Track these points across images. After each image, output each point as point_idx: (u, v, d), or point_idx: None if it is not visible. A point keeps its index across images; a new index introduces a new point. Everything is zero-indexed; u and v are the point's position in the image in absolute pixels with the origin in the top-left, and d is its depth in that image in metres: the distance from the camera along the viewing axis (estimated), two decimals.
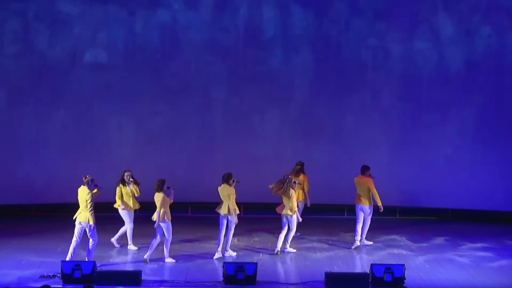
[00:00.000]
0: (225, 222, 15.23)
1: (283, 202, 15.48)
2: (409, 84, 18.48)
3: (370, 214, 16.05)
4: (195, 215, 18.40)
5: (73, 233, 14.47)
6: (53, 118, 18.52)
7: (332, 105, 18.66)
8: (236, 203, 15.32)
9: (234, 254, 15.37)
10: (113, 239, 15.77)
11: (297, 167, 16.49)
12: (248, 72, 18.52)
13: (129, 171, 15.62)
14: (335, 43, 18.51)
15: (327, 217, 17.41)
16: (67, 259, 14.12)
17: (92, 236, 14.32)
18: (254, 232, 17.09)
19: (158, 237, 14.79)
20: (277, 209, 15.59)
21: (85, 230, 14.30)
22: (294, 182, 15.54)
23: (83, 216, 14.19)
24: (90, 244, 14.38)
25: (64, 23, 18.07)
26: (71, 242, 14.52)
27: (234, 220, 15.14)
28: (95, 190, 14.33)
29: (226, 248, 15.39)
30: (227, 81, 18.59)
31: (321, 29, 18.34)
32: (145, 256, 14.75)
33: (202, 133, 18.82)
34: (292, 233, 15.68)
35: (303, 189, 16.41)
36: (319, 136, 18.80)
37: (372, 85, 18.58)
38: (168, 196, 14.72)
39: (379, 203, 15.78)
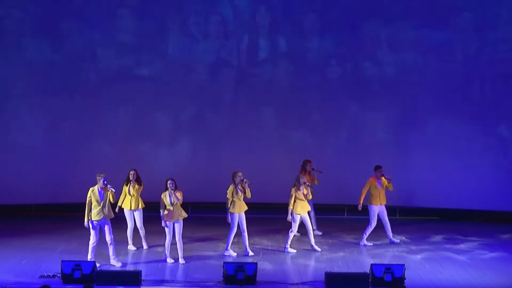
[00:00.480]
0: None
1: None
2: (408, 85, 18.54)
3: (378, 213, 16.15)
4: (195, 215, 18.40)
5: (72, 233, 14.87)
6: (54, 118, 18.54)
7: (332, 106, 18.70)
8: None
9: (234, 254, 15.39)
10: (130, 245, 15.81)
11: (304, 165, 16.55)
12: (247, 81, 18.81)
13: (135, 170, 15.61)
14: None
15: (327, 217, 17.45)
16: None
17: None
18: (254, 232, 16.94)
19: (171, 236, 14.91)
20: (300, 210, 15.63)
21: (100, 227, 14.46)
22: (304, 183, 15.61)
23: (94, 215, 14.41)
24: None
25: None
26: (71, 242, 14.81)
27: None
28: (109, 190, 14.37)
29: (227, 248, 15.46)
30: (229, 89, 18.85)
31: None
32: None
33: (202, 133, 18.88)
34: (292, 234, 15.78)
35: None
36: (319, 137, 18.84)
37: (372, 86, 18.62)
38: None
39: (359, 202, 16.09)
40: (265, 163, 18.56)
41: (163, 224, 14.74)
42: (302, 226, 15.78)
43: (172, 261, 14.82)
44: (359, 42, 18.49)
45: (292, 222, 15.60)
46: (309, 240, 15.82)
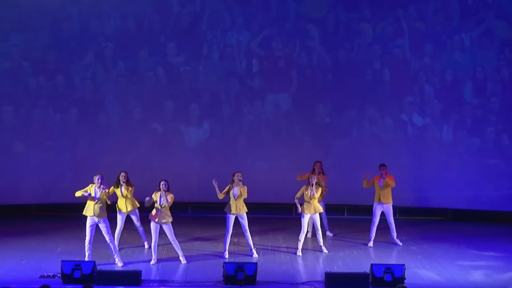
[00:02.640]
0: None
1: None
2: (407, 84, 18.23)
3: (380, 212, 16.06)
4: (195, 215, 18.33)
5: (72, 233, 14.91)
6: (56, 117, 18.25)
7: (333, 106, 18.46)
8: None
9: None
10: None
11: (314, 166, 16.44)
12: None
13: (125, 172, 15.39)
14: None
15: (327, 217, 17.17)
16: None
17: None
18: (254, 232, 16.63)
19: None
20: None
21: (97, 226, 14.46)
22: (314, 184, 15.41)
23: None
24: None
25: None
26: (70, 242, 14.71)
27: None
28: (102, 190, 14.33)
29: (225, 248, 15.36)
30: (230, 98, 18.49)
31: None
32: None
33: (202, 133, 18.56)
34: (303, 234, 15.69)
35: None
36: (320, 137, 18.60)
37: (371, 87, 18.33)
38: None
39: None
40: (265, 163, 18.39)
41: (146, 200, 14.54)
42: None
43: (154, 262, 14.60)
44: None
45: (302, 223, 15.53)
46: (318, 241, 15.63)
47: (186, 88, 18.06)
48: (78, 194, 14.38)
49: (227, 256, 15.19)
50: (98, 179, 14.35)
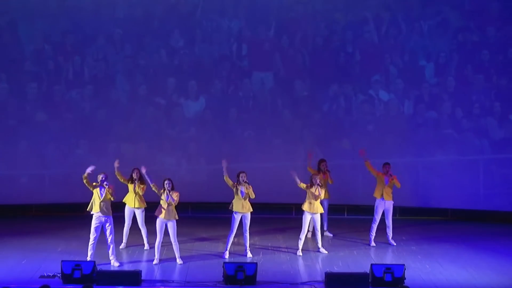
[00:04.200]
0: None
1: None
2: (374, 65, 18.77)
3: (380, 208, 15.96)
4: (195, 215, 18.27)
5: (72, 233, 14.70)
6: (73, 93, 18.76)
7: (311, 82, 18.83)
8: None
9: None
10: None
11: (318, 165, 16.36)
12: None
13: (138, 169, 15.20)
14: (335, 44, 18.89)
15: (328, 217, 16.97)
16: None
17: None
18: (254, 232, 16.43)
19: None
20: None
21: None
22: (318, 184, 15.28)
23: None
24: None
25: None
26: (71, 242, 14.73)
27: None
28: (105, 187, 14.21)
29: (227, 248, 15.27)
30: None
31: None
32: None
33: (199, 106, 18.93)
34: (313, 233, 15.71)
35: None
36: (319, 136, 18.75)
37: (344, 67, 18.81)
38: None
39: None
40: (265, 163, 18.47)
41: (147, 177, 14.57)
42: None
43: (157, 262, 14.50)
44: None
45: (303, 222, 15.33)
46: (317, 242, 15.53)
47: (185, 68, 18.75)
48: (85, 176, 14.16)
49: (227, 256, 15.04)
50: (102, 178, 14.19)
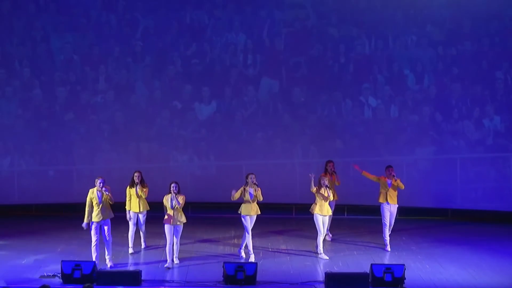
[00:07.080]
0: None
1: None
2: (364, 74, 19.40)
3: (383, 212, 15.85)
4: (195, 215, 18.22)
5: (73, 233, 14.76)
6: (98, 97, 19.36)
7: (307, 90, 19.38)
8: (234, 204, 15.22)
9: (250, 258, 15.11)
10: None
11: (325, 166, 16.31)
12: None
13: (139, 172, 15.12)
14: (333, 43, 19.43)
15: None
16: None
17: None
18: (255, 232, 16.10)
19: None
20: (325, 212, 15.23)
21: (101, 227, 14.32)
22: (326, 186, 15.19)
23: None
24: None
25: None
26: (71, 242, 14.76)
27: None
28: (104, 193, 14.11)
29: (239, 248, 15.26)
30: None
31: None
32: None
33: (211, 109, 19.48)
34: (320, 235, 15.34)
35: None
36: (319, 137, 19.07)
37: (337, 76, 19.41)
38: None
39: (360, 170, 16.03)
40: (265, 163, 18.81)
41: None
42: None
43: (170, 266, 14.34)
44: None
45: (316, 225, 15.14)
46: (318, 244, 15.26)
47: (198, 76, 19.49)
48: (87, 220, 14.16)
49: (243, 254, 14.95)
50: (99, 183, 14.05)
